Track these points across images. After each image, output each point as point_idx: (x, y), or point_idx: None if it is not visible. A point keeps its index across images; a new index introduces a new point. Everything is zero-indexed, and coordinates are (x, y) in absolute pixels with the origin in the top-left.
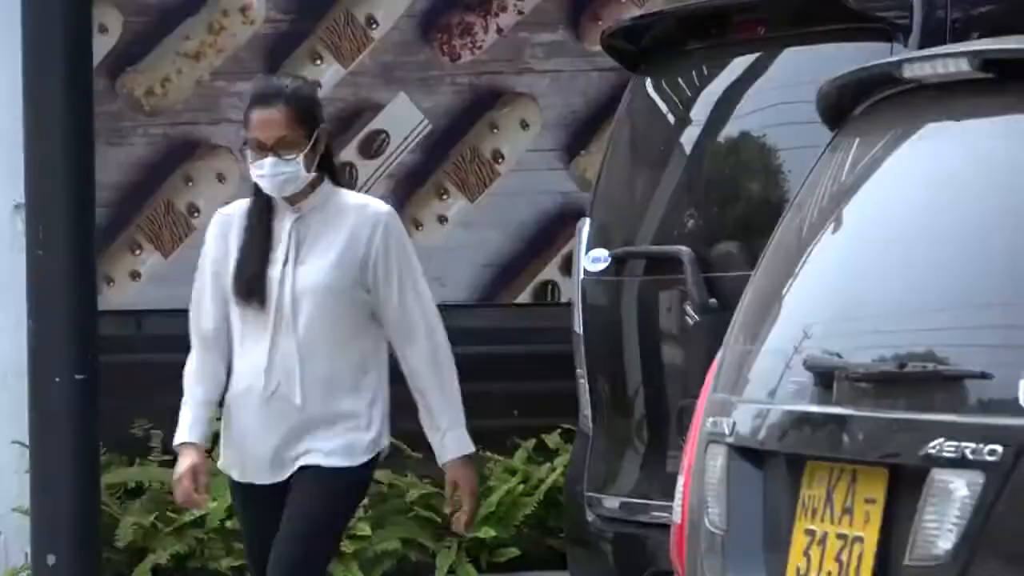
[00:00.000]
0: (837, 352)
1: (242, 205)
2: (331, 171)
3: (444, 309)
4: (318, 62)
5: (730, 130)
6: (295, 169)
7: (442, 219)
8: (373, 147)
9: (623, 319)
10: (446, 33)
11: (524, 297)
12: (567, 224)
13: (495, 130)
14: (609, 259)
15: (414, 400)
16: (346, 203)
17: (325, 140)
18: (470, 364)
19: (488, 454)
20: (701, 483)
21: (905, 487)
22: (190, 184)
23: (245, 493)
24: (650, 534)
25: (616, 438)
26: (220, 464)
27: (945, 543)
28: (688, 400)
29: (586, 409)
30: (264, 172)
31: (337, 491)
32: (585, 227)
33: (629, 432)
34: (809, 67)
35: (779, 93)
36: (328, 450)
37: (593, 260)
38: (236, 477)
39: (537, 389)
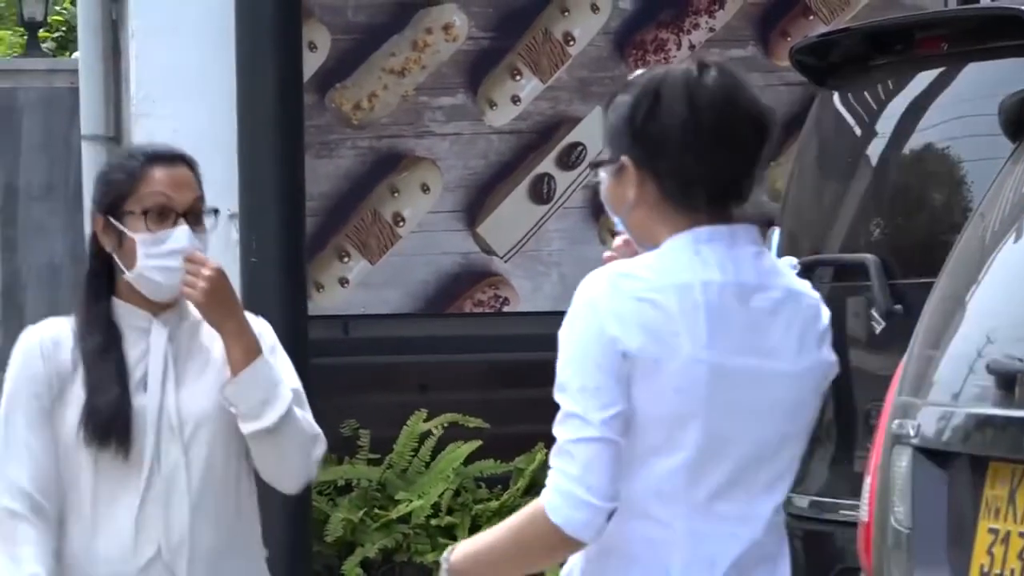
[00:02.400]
0: (1019, 356)
1: (64, 324)
2: None
3: None
4: (518, 77)
5: (914, 142)
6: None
7: None
8: (570, 159)
9: None
10: (640, 49)
11: None
12: None
13: None
14: (798, 266)
15: None
16: None
17: None
18: None
19: None
20: (887, 483)
21: None
22: (396, 194)
23: None
24: (838, 531)
25: None
26: None
27: None
28: (874, 402)
29: None
30: (178, 247)
31: None
32: (775, 235)
33: (818, 433)
34: (990, 81)
35: (961, 106)
36: None
37: None
38: None
39: None
